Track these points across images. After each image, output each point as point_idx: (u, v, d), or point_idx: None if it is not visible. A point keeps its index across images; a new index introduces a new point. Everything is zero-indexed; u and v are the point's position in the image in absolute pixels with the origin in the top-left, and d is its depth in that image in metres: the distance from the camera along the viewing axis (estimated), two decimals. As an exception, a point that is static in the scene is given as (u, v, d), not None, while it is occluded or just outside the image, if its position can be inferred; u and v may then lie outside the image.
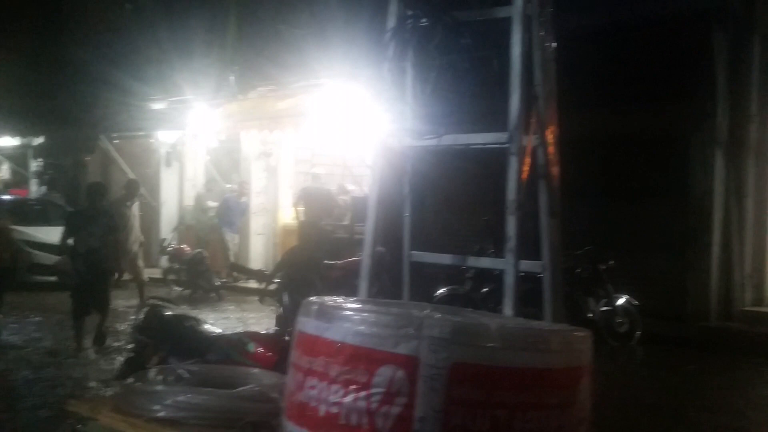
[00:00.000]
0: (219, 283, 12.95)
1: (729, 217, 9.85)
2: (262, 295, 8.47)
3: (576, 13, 8.33)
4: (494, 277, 8.32)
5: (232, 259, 13.97)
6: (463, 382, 2.42)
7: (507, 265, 3.53)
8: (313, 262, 8.95)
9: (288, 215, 14.70)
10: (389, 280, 5.64)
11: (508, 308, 3.46)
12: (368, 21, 9.67)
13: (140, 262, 11.76)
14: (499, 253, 8.11)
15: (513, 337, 2.56)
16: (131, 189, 11.94)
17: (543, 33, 3.81)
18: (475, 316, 3.04)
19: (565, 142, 4.10)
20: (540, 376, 2.54)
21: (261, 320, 9.96)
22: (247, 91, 12.84)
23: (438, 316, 2.63)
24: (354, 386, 2.49)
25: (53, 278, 11.95)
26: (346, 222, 13.18)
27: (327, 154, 14.28)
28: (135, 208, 12.03)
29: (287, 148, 14.67)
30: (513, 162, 3.56)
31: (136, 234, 11.81)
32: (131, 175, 15.90)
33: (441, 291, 9.05)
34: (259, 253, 14.78)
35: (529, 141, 3.68)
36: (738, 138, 9.97)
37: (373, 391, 2.45)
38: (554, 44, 3.90)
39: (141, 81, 13.70)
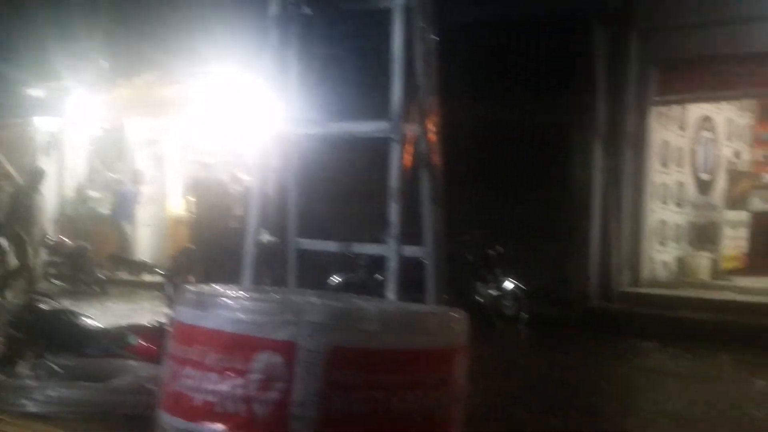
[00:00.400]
0: (102, 277, 12.47)
1: (607, 204, 10.34)
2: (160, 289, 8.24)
3: (462, 7, 8.52)
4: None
5: (128, 252, 13.48)
6: (342, 366, 2.45)
7: (389, 251, 3.59)
8: (198, 253, 8.79)
9: (177, 205, 14.29)
10: (283, 270, 5.61)
11: (390, 293, 3.51)
12: (255, 6, 9.51)
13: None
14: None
15: (391, 320, 2.61)
16: (36, 177, 11.30)
17: (424, 25, 3.86)
18: (357, 301, 3.08)
19: (455, 133, 4.20)
20: (417, 358, 2.60)
21: (145, 313, 9.68)
22: (132, 77, 12.39)
23: (317, 301, 2.65)
24: (231, 374, 2.47)
25: None
26: (233, 211, 12.96)
27: (217, 142, 13.96)
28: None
29: (174, 136, 14.22)
30: (395, 150, 3.61)
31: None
32: (6, 165, 15.05)
33: (333, 279, 9.07)
34: (147, 244, 14.31)
35: (411, 130, 3.74)
36: (616, 129, 10.47)
37: (251, 377, 2.45)
38: (436, 36, 3.96)
39: (16, 65, 12.97)
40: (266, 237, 9.11)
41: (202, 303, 2.65)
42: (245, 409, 2.42)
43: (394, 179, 3.62)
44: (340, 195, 11.06)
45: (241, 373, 2.46)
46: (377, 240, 8.87)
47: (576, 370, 6.98)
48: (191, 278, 8.66)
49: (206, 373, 2.51)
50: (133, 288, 12.14)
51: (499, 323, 8.69)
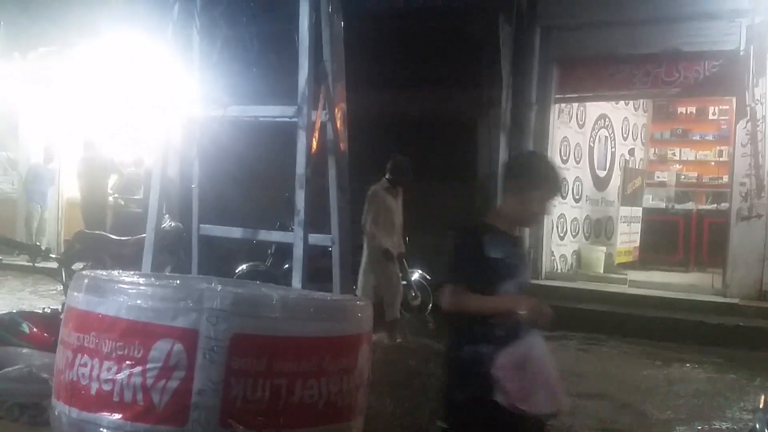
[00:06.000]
0: (-8, 261, 11.83)
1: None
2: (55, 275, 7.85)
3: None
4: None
5: (35, 234, 12.79)
6: (244, 353, 2.42)
7: (295, 238, 3.56)
8: (100, 240, 8.46)
9: (71, 187, 13.64)
10: (185, 256, 5.47)
11: (296, 280, 3.49)
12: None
13: None
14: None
15: (294, 307, 2.59)
16: None
17: (331, 10, 3.84)
18: (260, 288, 3.05)
19: (361, 121, 4.19)
20: (320, 345, 2.60)
21: (38, 300, 9.27)
22: (26, 51, 11.78)
23: (219, 288, 2.60)
24: (128, 362, 2.40)
25: None
26: (138, 196, 12.55)
27: (113, 121, 13.35)
28: None
29: (70, 113, 13.53)
30: (301, 136, 3.57)
31: None
32: None
33: (242, 267, 8.93)
34: (43, 228, 13.66)
35: (318, 116, 3.71)
36: (519, 124, 10.75)
37: (149, 366, 2.38)
38: (342, 23, 3.93)
39: None
40: (169, 222, 8.92)
41: (99, 288, 2.55)
42: (143, 398, 2.36)
43: (300, 165, 3.58)
44: (246, 180, 10.90)
45: (138, 361, 2.40)
46: (284, 227, 8.81)
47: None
48: (85, 264, 8.31)
49: (103, 361, 2.43)
50: (26, 272, 11.58)
51: (406, 314, 8.79)
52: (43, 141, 13.77)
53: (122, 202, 12.76)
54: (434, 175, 10.54)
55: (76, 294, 2.61)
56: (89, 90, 11.76)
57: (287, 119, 3.61)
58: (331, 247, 3.86)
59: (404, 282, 9.04)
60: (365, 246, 7.87)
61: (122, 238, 9.28)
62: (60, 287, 8.72)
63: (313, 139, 3.58)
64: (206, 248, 4.17)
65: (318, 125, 3.65)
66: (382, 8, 10.20)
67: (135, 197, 12.66)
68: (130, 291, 2.50)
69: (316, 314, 2.61)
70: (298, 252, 3.56)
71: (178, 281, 2.89)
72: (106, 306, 2.49)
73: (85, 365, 2.47)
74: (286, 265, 8.94)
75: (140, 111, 11.73)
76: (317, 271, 3.86)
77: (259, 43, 3.53)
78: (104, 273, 2.77)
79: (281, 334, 2.50)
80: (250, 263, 9.06)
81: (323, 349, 2.59)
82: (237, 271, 8.85)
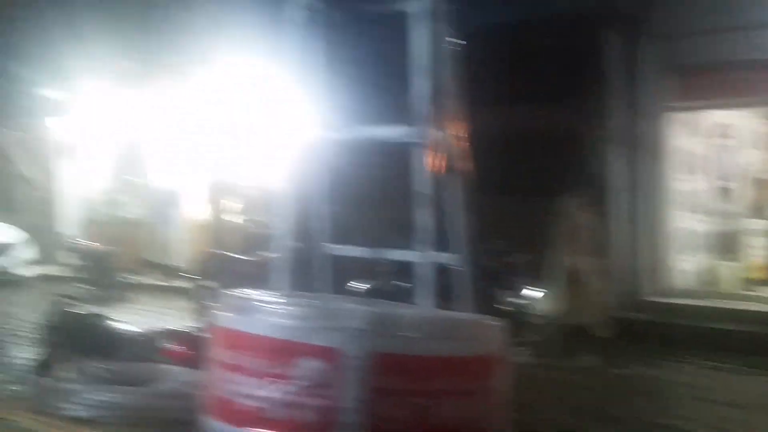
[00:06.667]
0: (129, 281, 12.54)
1: (626, 212, 10.32)
2: (190, 297, 8.31)
3: (483, 11, 8.53)
4: (412, 271, 8.44)
5: (162, 256, 13.56)
6: (385, 372, 2.48)
7: (421, 257, 3.61)
8: (226, 260, 8.86)
9: (199, 209, 14.34)
10: (306, 275, 5.64)
11: (422, 299, 3.53)
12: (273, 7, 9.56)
13: None
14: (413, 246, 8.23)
15: (430, 326, 2.64)
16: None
17: (446, 28, 3.86)
18: (392, 307, 3.11)
19: (475, 138, 4.17)
20: (459, 364, 2.64)
21: (175, 317, 9.74)
22: (150, 78, 12.50)
23: (356, 307, 2.69)
24: (275, 379, 2.51)
25: None
26: (257, 216, 13.03)
27: (238, 145, 13.98)
28: None
29: (197, 138, 14.24)
30: (421, 156, 3.61)
31: None
32: (22, 168, 15.16)
33: (357, 285, 9.08)
34: (175, 248, 14.40)
35: (436, 135, 3.73)
36: (633, 136, 10.44)
37: (295, 383, 2.48)
38: (458, 40, 3.96)
39: (30, 66, 13.07)
40: (291, 242, 9.11)
41: (244, 308, 2.69)
42: (293, 415, 2.46)
43: (419, 184, 3.62)
44: (365, 200, 11.10)
45: (285, 378, 2.50)
46: (400, 247, 8.85)
47: (607, 377, 6.87)
48: (218, 283, 8.73)
49: (252, 378, 2.54)
50: (162, 292, 12.26)
51: (527, 332, 8.67)
52: (170, 166, 14.55)
53: (245, 223, 13.27)
54: (550, 190, 10.39)
55: (222, 313, 2.76)
56: (213, 115, 12.34)
57: (405, 139, 3.67)
58: (455, 266, 3.88)
59: (521, 300, 8.92)
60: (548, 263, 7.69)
61: (246, 258, 9.67)
62: (194, 304, 9.22)
63: (433, 158, 3.61)
64: (322, 267, 4.26)
65: (437, 144, 3.67)
66: (490, 23, 10.19)
67: (257, 218, 13.13)
68: (274, 310, 2.62)
69: (453, 334, 2.66)
70: (423, 271, 3.61)
71: (317, 301, 3.00)
72: (252, 325, 2.61)
73: (233, 382, 2.59)
74: (406, 284, 8.99)
75: (262, 134, 12.21)
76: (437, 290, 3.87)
77: (376, 64, 3.62)
78: (248, 293, 2.90)
79: (420, 353, 2.55)
80: (365, 281, 9.19)
81: (461, 368, 2.63)
82: (352, 288, 9.01)
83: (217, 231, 13.01)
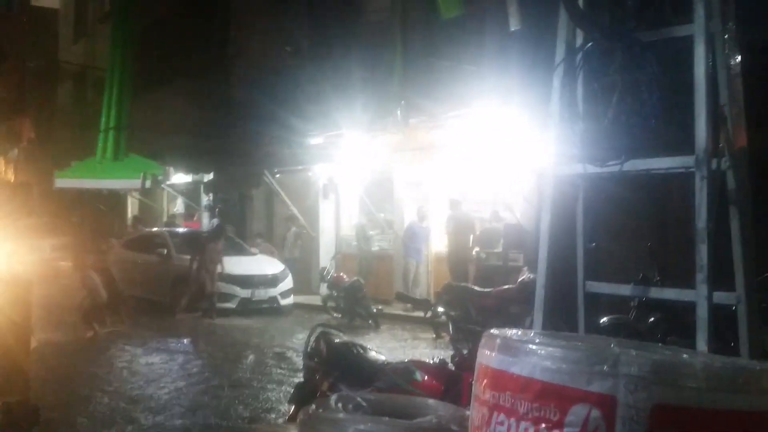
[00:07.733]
0: (376, 311, 13.13)
1: None
2: (434, 329, 8.50)
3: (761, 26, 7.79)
4: (661, 307, 7.87)
5: (410, 287, 14.18)
6: (665, 426, 2.25)
7: (699, 296, 3.30)
8: (465, 291, 8.90)
9: (438, 243, 14.80)
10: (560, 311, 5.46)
11: (701, 343, 3.22)
12: (524, 44, 9.55)
13: None
14: (664, 281, 7.66)
15: (720, 376, 2.36)
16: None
17: (727, 50, 3.59)
18: (670, 352, 2.84)
19: (754, 163, 3.78)
20: (749, 421, 2.33)
21: (422, 349, 9.99)
22: (404, 124, 13.10)
23: (633, 352, 2.48)
24: (545, 424, 2.39)
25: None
26: (498, 249, 13.04)
27: (476, 181, 14.23)
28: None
29: (437, 177, 14.77)
30: (702, 186, 3.34)
31: None
32: (292, 208, 16.63)
33: (604, 320, 8.64)
34: (420, 281, 14.93)
35: (718, 164, 3.46)
36: None
37: (566, 430, 2.34)
38: (739, 60, 3.65)
39: (301, 117, 14.29)
40: (528, 274, 8.98)
41: (511, 348, 2.60)
42: (562, 462, 2.32)
43: (701, 218, 3.35)
44: (608, 233, 10.61)
45: (555, 424, 2.37)
46: (646, 280, 8.27)
47: None
48: (459, 314, 8.79)
49: (519, 421, 2.45)
50: (411, 323, 12.66)
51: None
52: (416, 202, 15.13)
53: (483, 256, 13.34)
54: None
55: (488, 352, 2.69)
56: (455, 154, 12.65)
57: (684, 170, 3.41)
58: (735, 306, 3.52)
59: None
60: None
61: (484, 290, 9.69)
62: (442, 336, 9.29)
63: (710, 187, 3.30)
64: (561, 300, 4.07)
65: (717, 174, 3.38)
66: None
67: (495, 251, 13.15)
68: (543, 352, 2.50)
69: (744, 385, 2.35)
70: (702, 311, 3.30)
71: (587, 343, 2.83)
72: (520, 366, 2.51)
73: (501, 423, 2.51)
74: (651, 319, 8.40)
75: (499, 170, 12.24)
76: (686, 328, 3.54)
77: (653, 92, 3.40)
78: (514, 333, 2.82)
79: (705, 407, 2.28)
80: (612, 316, 8.72)
81: (752, 426, 2.31)
82: (599, 323, 8.58)
83: (455, 263, 13.19)
